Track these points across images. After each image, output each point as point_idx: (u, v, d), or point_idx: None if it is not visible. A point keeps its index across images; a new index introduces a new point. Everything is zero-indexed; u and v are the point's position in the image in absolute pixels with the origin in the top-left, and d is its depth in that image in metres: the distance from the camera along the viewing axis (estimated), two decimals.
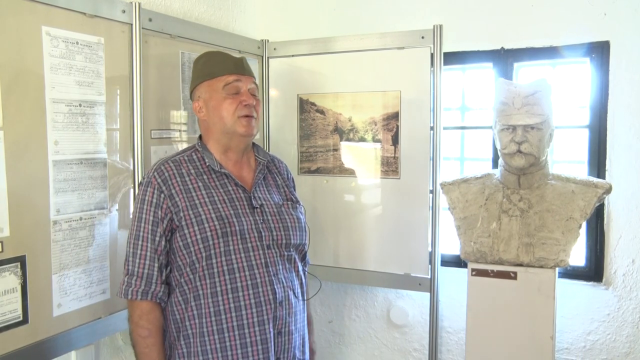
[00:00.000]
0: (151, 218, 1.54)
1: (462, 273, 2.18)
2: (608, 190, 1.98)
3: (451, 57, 2.42)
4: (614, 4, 2.17)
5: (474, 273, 2.05)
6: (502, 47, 2.37)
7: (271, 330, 1.54)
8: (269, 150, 2.64)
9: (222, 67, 1.63)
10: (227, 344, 1.50)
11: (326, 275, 2.61)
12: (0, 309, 1.49)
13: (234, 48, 2.41)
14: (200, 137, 1.69)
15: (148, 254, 1.53)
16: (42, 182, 1.60)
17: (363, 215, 2.49)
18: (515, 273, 1.98)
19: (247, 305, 1.51)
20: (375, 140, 2.43)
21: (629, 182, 2.19)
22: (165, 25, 2.04)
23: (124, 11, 1.84)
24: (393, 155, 2.40)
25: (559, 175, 2.03)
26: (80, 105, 1.71)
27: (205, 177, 1.60)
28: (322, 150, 2.54)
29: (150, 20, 1.95)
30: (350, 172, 2.50)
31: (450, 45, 2.37)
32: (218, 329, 1.50)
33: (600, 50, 2.22)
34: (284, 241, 1.62)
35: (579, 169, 2.29)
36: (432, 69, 2.28)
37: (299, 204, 1.75)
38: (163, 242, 1.54)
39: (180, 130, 2.12)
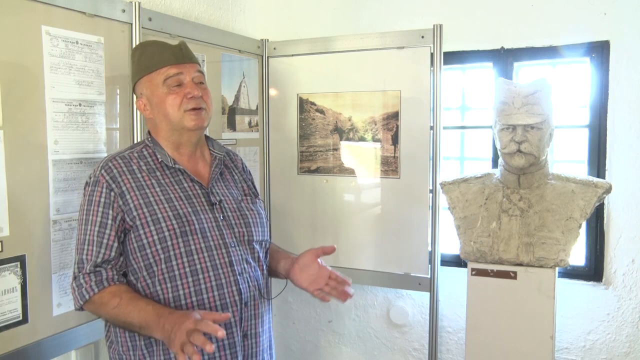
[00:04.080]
0: (98, 219, 1.40)
1: (462, 273, 2.18)
2: (608, 190, 1.98)
3: (451, 57, 2.42)
4: (614, 3, 2.17)
5: (473, 273, 2.05)
6: (502, 47, 2.37)
7: (238, 333, 1.45)
8: (268, 150, 2.64)
9: (160, 58, 1.48)
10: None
11: None
12: (0, 309, 1.49)
13: (233, 47, 2.42)
14: (149, 132, 1.56)
15: (94, 258, 1.39)
16: (42, 182, 1.60)
17: (363, 215, 2.49)
18: (515, 273, 1.98)
19: (213, 308, 1.41)
20: (375, 140, 2.43)
21: (629, 182, 2.19)
22: (165, 25, 2.03)
23: (123, 11, 1.84)
24: (393, 154, 2.40)
25: (558, 174, 2.03)
26: (80, 104, 1.71)
27: (158, 173, 1.48)
28: (322, 149, 2.54)
29: (150, 19, 1.95)
30: (350, 172, 2.50)
31: (450, 44, 2.37)
32: None
33: (600, 50, 2.22)
34: (246, 238, 1.52)
35: (579, 169, 2.29)
36: (432, 68, 2.28)
37: (258, 199, 1.66)
38: (114, 244, 1.41)
39: None
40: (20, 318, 1.54)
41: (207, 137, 1.65)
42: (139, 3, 1.88)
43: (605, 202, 2.21)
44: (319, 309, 2.82)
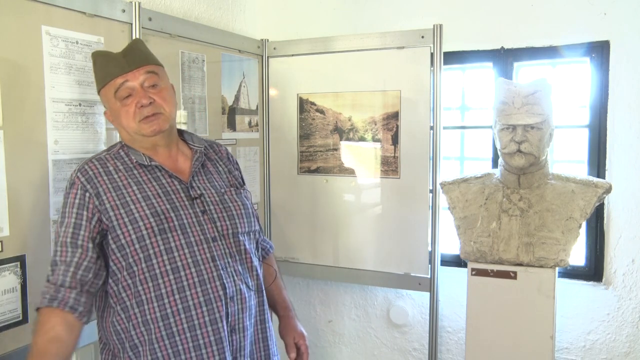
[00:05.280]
0: (72, 221, 1.39)
1: (462, 273, 2.18)
2: (608, 189, 1.98)
3: (451, 57, 2.42)
4: (614, 3, 2.17)
5: (473, 273, 2.05)
6: (502, 47, 2.37)
7: (225, 328, 1.42)
8: (268, 150, 2.64)
9: (107, 71, 1.45)
10: (180, 347, 1.38)
11: (326, 275, 2.62)
12: (0, 309, 1.49)
13: (233, 47, 2.42)
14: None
15: (66, 259, 1.37)
16: (42, 182, 1.60)
17: (363, 215, 2.49)
18: (515, 273, 1.98)
19: (197, 305, 1.39)
20: (375, 140, 2.43)
21: (629, 182, 2.19)
22: (165, 25, 2.03)
23: (123, 11, 1.84)
24: (393, 154, 2.40)
25: (558, 174, 2.03)
26: (80, 104, 1.71)
27: (135, 172, 1.46)
28: (322, 149, 2.54)
29: (150, 19, 1.95)
30: (350, 172, 2.50)
31: (450, 44, 2.37)
32: (168, 333, 1.37)
33: (600, 50, 2.22)
34: (230, 231, 1.49)
35: (579, 169, 2.29)
36: (432, 68, 2.28)
37: (244, 189, 1.63)
38: (89, 245, 1.38)
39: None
40: (20, 318, 1.54)
41: (184, 132, 1.62)
42: (139, 3, 1.88)
43: (605, 202, 2.21)
44: (319, 309, 2.82)
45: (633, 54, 2.15)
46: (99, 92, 1.49)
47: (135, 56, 1.47)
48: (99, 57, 1.49)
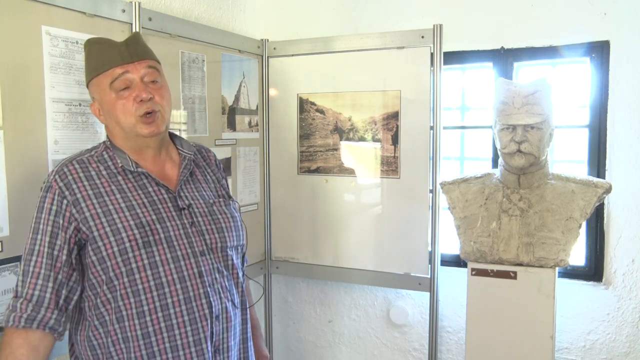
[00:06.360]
0: (49, 229, 1.28)
1: (462, 273, 2.18)
2: (608, 190, 1.98)
3: (451, 57, 2.42)
4: (614, 4, 2.17)
5: (473, 273, 2.05)
6: (502, 47, 2.37)
7: (209, 349, 1.33)
8: (268, 150, 2.64)
9: (105, 59, 1.33)
10: None
11: (326, 275, 2.62)
12: (0, 309, 1.49)
13: (233, 47, 2.42)
14: (107, 137, 1.43)
15: (42, 272, 1.27)
16: (41, 182, 1.59)
17: (363, 215, 2.49)
18: (515, 273, 1.98)
19: (181, 324, 1.30)
20: (375, 140, 2.43)
21: (629, 182, 2.19)
22: (165, 25, 2.04)
23: (123, 11, 1.84)
24: (393, 154, 2.40)
25: (558, 174, 2.03)
26: (80, 104, 1.71)
27: (120, 178, 1.35)
28: (322, 149, 2.54)
29: (150, 19, 1.95)
30: (350, 172, 2.50)
31: (450, 44, 2.37)
32: (148, 353, 1.28)
33: (600, 50, 2.22)
34: (219, 245, 1.40)
35: (579, 169, 2.29)
36: (432, 68, 2.28)
37: (232, 200, 1.53)
38: (64, 257, 1.28)
39: (180, 130, 2.12)
40: None
41: (174, 136, 1.52)
42: (139, 3, 1.88)
43: (605, 202, 2.21)
44: (319, 309, 2.82)
45: (633, 54, 2.16)
46: (90, 81, 1.38)
47: (139, 48, 1.38)
48: (95, 44, 1.38)
